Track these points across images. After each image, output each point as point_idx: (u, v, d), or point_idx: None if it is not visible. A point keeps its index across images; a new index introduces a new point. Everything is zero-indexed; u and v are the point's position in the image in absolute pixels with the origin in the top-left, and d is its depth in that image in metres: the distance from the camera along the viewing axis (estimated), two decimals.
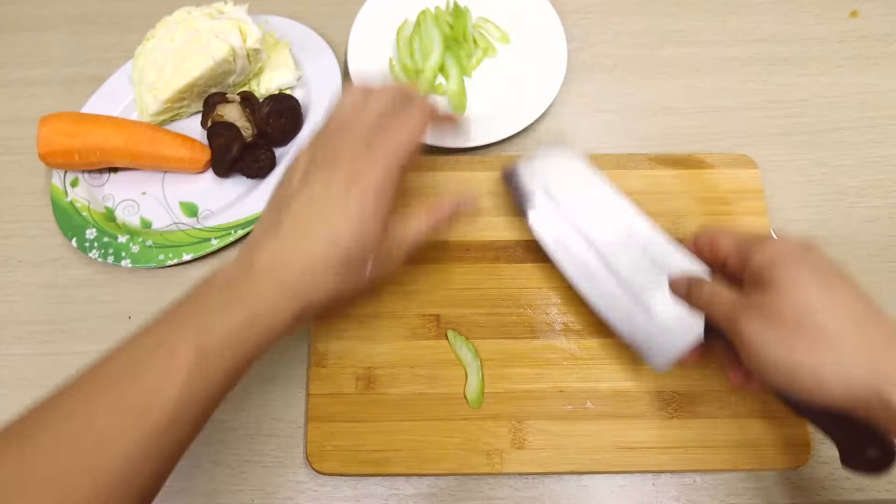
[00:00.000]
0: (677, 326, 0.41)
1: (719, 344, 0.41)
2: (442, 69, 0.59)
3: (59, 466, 0.30)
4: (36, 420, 0.32)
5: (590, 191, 0.47)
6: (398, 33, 0.61)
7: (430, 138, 0.55)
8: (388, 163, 0.38)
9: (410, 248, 0.41)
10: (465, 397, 0.47)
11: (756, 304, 0.35)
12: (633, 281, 0.43)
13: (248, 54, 0.56)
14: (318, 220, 0.37)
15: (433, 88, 0.59)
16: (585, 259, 0.45)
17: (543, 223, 0.47)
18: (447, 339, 0.48)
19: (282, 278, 0.36)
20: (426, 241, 0.42)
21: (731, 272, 0.40)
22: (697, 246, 0.42)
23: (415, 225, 0.41)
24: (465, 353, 0.47)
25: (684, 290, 0.41)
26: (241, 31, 0.55)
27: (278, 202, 0.39)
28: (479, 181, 0.54)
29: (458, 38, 0.60)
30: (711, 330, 0.40)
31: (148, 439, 0.31)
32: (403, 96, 0.42)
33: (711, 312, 0.39)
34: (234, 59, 0.55)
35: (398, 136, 0.39)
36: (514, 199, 0.49)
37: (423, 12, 0.60)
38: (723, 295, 0.38)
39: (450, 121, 0.46)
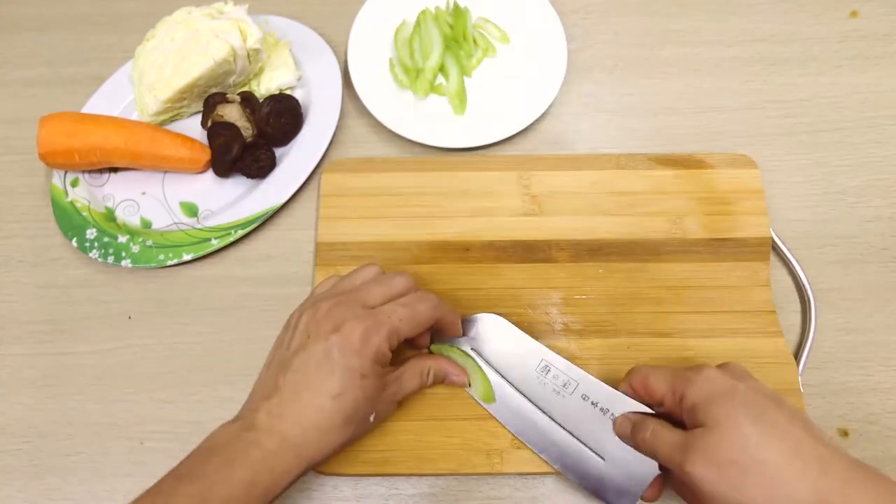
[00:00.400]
0: (632, 465, 0.41)
1: (675, 477, 0.40)
2: (442, 69, 0.59)
3: None
4: None
5: (518, 348, 0.47)
6: (396, 34, 0.61)
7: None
8: (390, 332, 0.40)
9: (409, 394, 0.44)
10: (475, 399, 0.46)
11: (698, 446, 0.36)
12: (580, 429, 0.43)
13: (248, 54, 0.56)
14: (318, 384, 0.38)
15: (433, 88, 0.59)
16: (528, 414, 0.45)
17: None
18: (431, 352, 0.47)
19: (284, 436, 0.36)
20: (423, 389, 0.45)
21: (669, 409, 0.40)
22: (632, 387, 0.42)
23: (408, 385, 0.44)
24: (457, 358, 0.47)
25: (628, 430, 0.41)
26: (241, 31, 0.55)
27: (276, 367, 0.40)
28: (480, 181, 0.54)
29: (458, 38, 0.60)
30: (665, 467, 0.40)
31: None
32: (418, 289, 0.44)
33: (656, 454, 0.39)
34: (234, 59, 0.55)
35: (404, 313, 0.41)
36: None
37: (423, 12, 0.60)
38: (665, 436, 0.38)
39: (454, 325, 0.46)
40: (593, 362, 0.48)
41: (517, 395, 0.45)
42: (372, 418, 0.41)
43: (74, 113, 0.57)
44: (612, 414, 0.43)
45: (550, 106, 0.57)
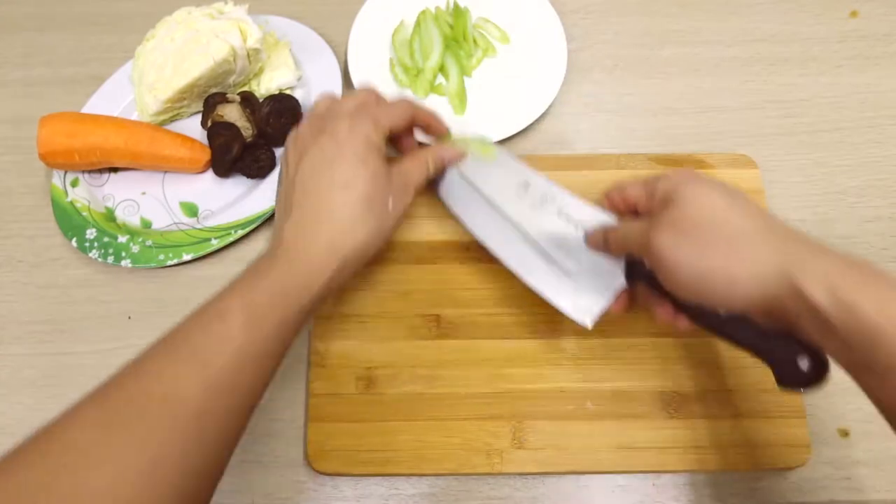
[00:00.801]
0: (599, 279, 0.43)
1: (642, 287, 0.41)
2: (442, 69, 0.59)
3: (136, 422, 0.31)
4: (112, 384, 0.33)
5: (499, 165, 0.48)
6: (394, 35, 0.61)
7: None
8: (372, 121, 0.41)
9: (418, 184, 0.44)
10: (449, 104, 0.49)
11: (665, 220, 0.36)
12: (552, 243, 0.44)
13: (248, 54, 0.56)
14: (325, 182, 0.39)
15: (433, 88, 0.59)
16: (499, 226, 0.46)
17: (453, 194, 0.48)
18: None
19: (311, 238, 0.38)
20: (428, 177, 0.45)
21: (643, 212, 0.41)
22: (610, 201, 0.44)
23: (414, 173, 0.44)
24: (449, 142, 0.48)
25: (601, 238, 0.42)
26: (241, 31, 0.55)
27: (285, 194, 0.41)
28: None
29: (458, 38, 0.60)
30: (633, 274, 0.42)
31: (211, 392, 0.33)
32: (380, 96, 0.45)
33: (627, 245, 0.40)
34: (234, 59, 0.55)
35: (381, 107, 0.43)
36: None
37: (423, 12, 0.60)
38: (635, 226, 0.40)
39: (434, 124, 0.47)
40: (594, 362, 0.48)
41: (489, 208, 0.46)
42: (391, 205, 0.41)
43: (74, 113, 0.57)
44: (587, 228, 0.44)
45: (550, 106, 0.57)
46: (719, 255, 0.34)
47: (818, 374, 0.35)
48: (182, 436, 0.31)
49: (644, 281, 0.41)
